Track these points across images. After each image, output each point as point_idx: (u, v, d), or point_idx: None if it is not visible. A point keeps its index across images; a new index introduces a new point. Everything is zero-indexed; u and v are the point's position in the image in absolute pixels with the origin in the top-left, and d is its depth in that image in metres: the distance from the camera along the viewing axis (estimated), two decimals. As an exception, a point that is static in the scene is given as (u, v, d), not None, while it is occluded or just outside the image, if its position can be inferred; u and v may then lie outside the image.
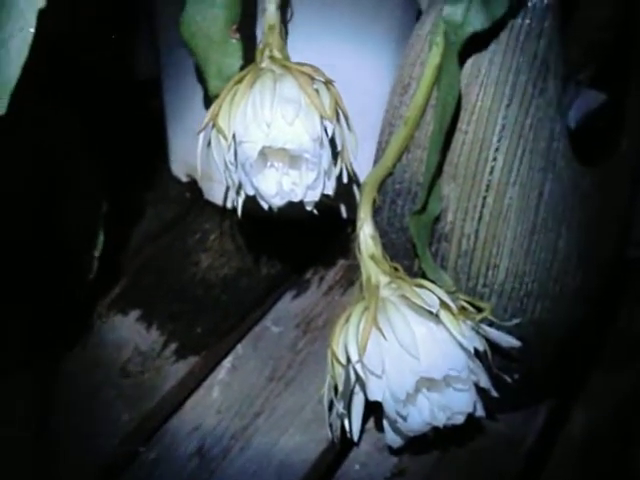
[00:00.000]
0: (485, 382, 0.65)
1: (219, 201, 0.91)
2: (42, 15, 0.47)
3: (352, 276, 0.87)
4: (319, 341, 0.81)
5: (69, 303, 0.79)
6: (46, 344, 0.76)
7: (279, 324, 0.83)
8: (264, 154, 0.69)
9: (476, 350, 0.64)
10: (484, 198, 0.65)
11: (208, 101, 0.75)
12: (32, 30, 0.47)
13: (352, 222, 0.86)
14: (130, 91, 0.98)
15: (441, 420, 0.65)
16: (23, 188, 0.72)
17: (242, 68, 0.71)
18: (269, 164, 0.70)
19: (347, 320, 0.67)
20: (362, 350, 0.63)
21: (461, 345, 0.63)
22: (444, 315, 0.63)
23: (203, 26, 0.70)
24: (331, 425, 0.70)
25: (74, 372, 0.76)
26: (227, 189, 0.87)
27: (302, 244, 0.89)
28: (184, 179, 0.95)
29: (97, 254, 0.79)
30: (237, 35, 0.71)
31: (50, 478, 0.69)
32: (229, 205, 0.89)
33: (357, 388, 0.68)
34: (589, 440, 0.74)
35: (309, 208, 0.71)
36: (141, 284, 0.86)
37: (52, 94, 0.74)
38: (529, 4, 0.62)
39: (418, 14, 0.69)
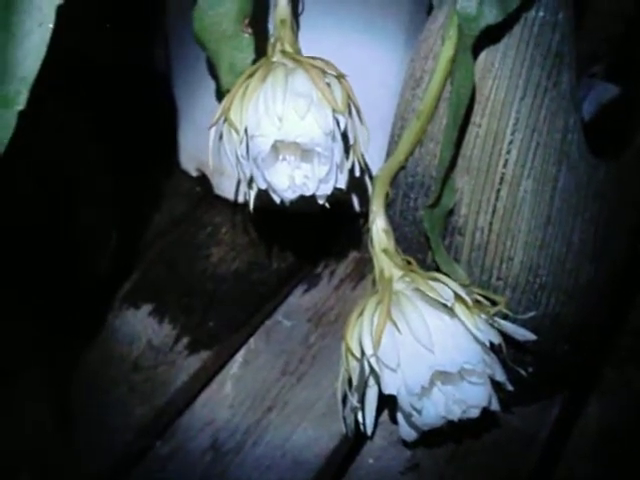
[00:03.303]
0: (500, 375, 0.65)
1: (230, 195, 0.91)
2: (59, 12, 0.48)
3: (363, 269, 0.87)
4: (331, 335, 0.81)
5: (81, 298, 0.79)
6: (59, 340, 0.76)
7: (291, 318, 0.83)
8: (276, 148, 0.69)
9: (491, 343, 0.64)
10: (498, 191, 0.65)
11: (219, 96, 0.75)
12: (51, 25, 0.47)
13: (364, 215, 0.87)
14: (143, 84, 0.98)
15: (456, 414, 0.65)
16: (36, 185, 0.72)
17: (254, 62, 0.71)
18: (281, 158, 0.69)
19: (361, 313, 0.67)
20: (377, 343, 0.63)
21: (476, 338, 0.63)
22: (459, 308, 0.63)
23: (215, 21, 0.70)
24: (344, 419, 0.70)
25: (87, 367, 0.76)
26: (238, 183, 0.88)
27: (313, 237, 0.90)
28: (194, 174, 0.95)
29: (109, 250, 0.79)
30: (249, 29, 0.71)
31: (64, 473, 0.69)
32: (240, 199, 0.90)
33: (371, 381, 0.67)
34: (604, 433, 0.73)
35: (321, 202, 0.71)
36: (153, 278, 0.86)
37: (65, 92, 0.74)
38: (543, -3, 0.62)
39: (429, 8, 0.69)
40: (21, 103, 0.48)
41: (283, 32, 0.72)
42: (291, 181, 0.69)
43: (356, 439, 0.72)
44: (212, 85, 0.79)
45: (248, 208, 0.73)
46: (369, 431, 0.70)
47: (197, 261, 0.87)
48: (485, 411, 0.66)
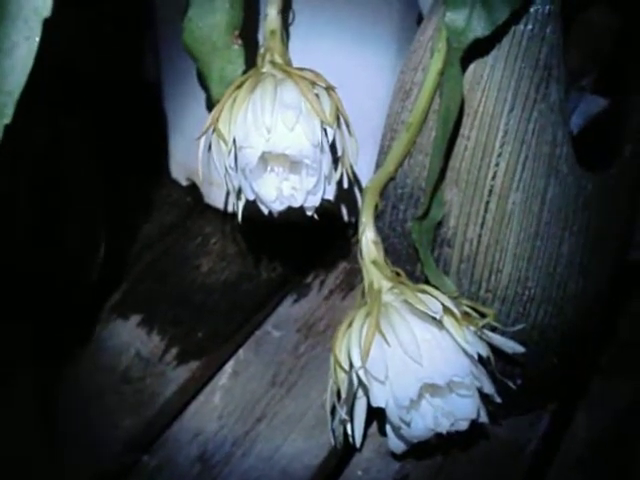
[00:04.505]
0: (488, 388, 0.65)
1: (219, 205, 0.91)
2: (47, 24, 0.48)
3: (353, 280, 0.87)
4: (320, 345, 0.81)
5: (70, 309, 0.79)
6: (47, 350, 0.76)
7: (280, 328, 0.83)
8: (264, 159, 0.69)
9: (479, 356, 0.64)
10: (487, 203, 0.65)
11: (209, 106, 0.75)
12: (37, 39, 0.47)
13: (353, 225, 0.87)
14: (133, 95, 0.98)
15: (444, 426, 0.65)
16: (25, 195, 0.72)
17: (244, 73, 0.71)
18: (269, 169, 0.69)
19: (349, 325, 0.67)
20: (365, 356, 0.63)
21: (464, 351, 0.63)
22: (447, 321, 0.63)
23: (205, 32, 0.70)
24: (333, 430, 0.70)
25: (75, 378, 0.76)
26: (227, 193, 0.87)
27: (303, 248, 0.89)
28: (184, 183, 0.95)
29: (99, 260, 0.79)
30: (239, 41, 0.71)
31: (51, 485, 0.69)
32: (230, 208, 0.89)
33: (360, 393, 0.67)
34: (592, 445, 0.74)
35: (309, 213, 0.71)
36: (142, 289, 0.85)
37: (57, 104, 0.74)
38: (531, 10, 0.61)
39: (419, 19, 0.69)
40: (7, 117, 0.48)
41: (273, 43, 0.72)
42: (279, 192, 0.69)
43: (345, 451, 0.72)
44: (202, 95, 0.79)
45: (237, 219, 0.73)
46: (358, 443, 0.70)
47: (186, 271, 0.87)
48: (474, 423, 0.66)
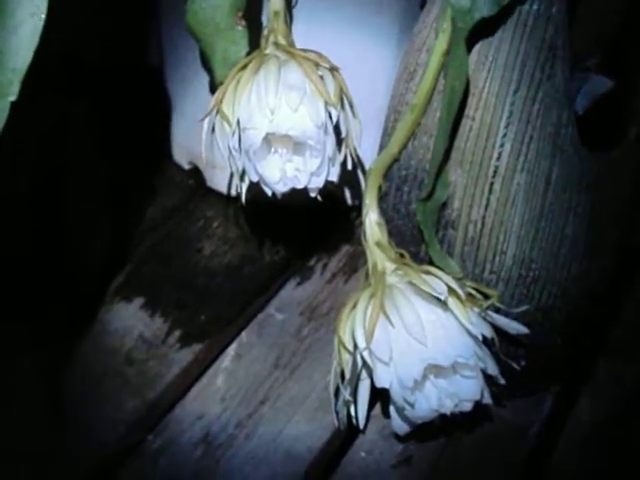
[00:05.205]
0: (492, 369, 0.65)
1: (222, 188, 0.91)
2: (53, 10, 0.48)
3: (356, 263, 0.86)
4: (323, 328, 0.81)
5: (74, 292, 0.79)
6: (51, 333, 0.76)
7: (283, 311, 0.83)
8: (268, 140, 0.68)
9: (483, 337, 0.64)
10: (491, 184, 0.65)
11: (212, 88, 0.75)
12: (43, 16, 0.47)
13: (356, 208, 0.86)
14: (135, 78, 0.98)
15: (448, 407, 0.65)
16: (27, 177, 0.72)
17: (248, 54, 0.71)
18: (273, 150, 0.69)
19: (354, 307, 0.67)
20: (369, 337, 0.63)
21: (469, 332, 0.63)
22: (452, 302, 0.63)
23: (209, 13, 0.70)
24: (337, 412, 0.70)
25: (79, 360, 0.76)
26: (230, 176, 0.87)
27: (306, 230, 0.89)
28: (186, 166, 0.95)
29: (102, 243, 0.79)
30: (243, 22, 0.70)
31: (55, 466, 0.69)
32: (232, 192, 0.89)
33: (363, 374, 0.67)
34: (595, 426, 0.74)
35: (313, 195, 0.71)
36: (145, 272, 0.85)
37: (59, 86, 0.74)
38: (537, -10, 0.62)
39: (422, 2, 0.69)
40: (13, 94, 0.48)
41: (276, 24, 0.72)
42: (283, 174, 0.69)
43: (348, 432, 0.72)
44: (205, 78, 0.79)
45: (240, 201, 0.73)
46: (361, 424, 0.70)
47: (189, 254, 0.87)
48: (477, 405, 0.66)
